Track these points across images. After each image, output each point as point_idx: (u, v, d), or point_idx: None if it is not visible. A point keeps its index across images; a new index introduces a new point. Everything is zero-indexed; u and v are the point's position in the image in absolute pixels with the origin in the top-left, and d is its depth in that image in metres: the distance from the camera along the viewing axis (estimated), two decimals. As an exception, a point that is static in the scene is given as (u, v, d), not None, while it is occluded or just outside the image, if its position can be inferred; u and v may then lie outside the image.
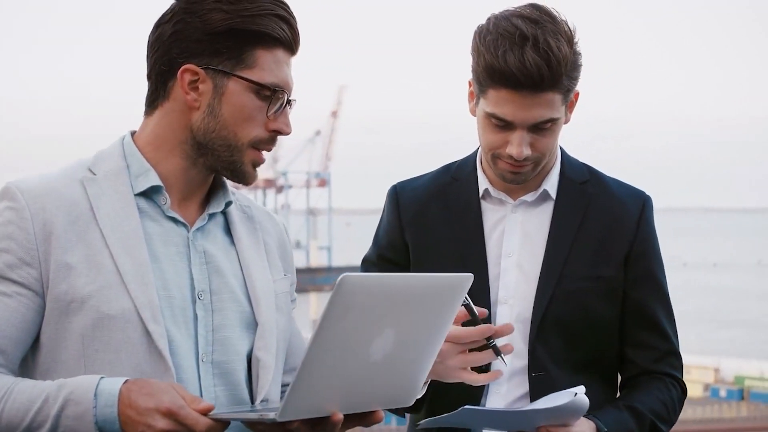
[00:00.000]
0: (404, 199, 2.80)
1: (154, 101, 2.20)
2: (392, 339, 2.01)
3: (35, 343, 2.13)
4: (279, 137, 2.22)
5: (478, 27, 2.62)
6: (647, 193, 2.80)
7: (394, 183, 2.86)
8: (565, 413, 2.40)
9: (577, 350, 2.68)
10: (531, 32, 2.52)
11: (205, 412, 2.00)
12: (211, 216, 2.24)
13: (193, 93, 2.15)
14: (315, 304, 70.84)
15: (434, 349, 2.14)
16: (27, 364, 2.14)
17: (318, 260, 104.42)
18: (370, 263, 2.84)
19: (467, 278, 2.13)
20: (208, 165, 2.20)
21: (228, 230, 2.27)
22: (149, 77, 2.21)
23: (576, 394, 2.38)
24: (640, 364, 2.75)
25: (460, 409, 2.42)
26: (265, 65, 2.15)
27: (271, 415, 1.95)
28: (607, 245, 2.71)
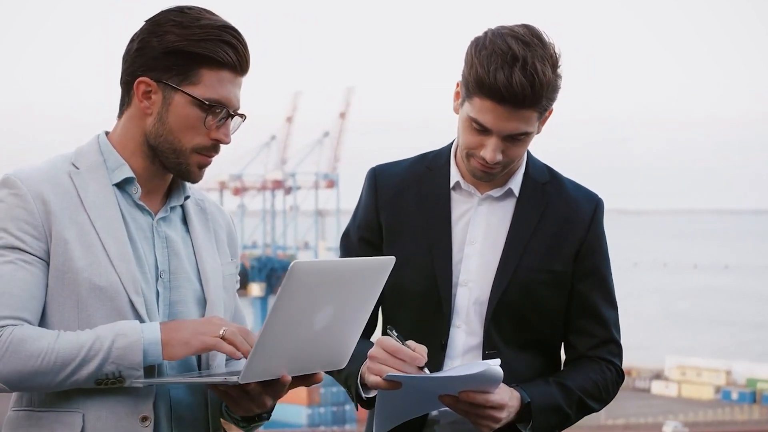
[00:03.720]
0: (382, 184, 3.07)
1: (122, 107, 2.60)
2: (331, 313, 2.43)
3: None
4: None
5: (475, 39, 2.86)
6: (600, 195, 3.07)
7: (373, 166, 3.12)
8: (481, 381, 2.64)
9: (525, 332, 2.97)
10: (521, 54, 2.76)
11: None
12: (173, 208, 2.64)
13: (146, 101, 2.54)
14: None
15: (363, 320, 2.58)
16: None
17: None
18: (347, 239, 3.10)
19: (390, 261, 2.56)
20: (161, 164, 2.57)
21: (185, 220, 2.67)
22: (120, 86, 2.59)
23: (491, 365, 2.61)
24: (580, 349, 3.03)
25: (385, 375, 2.66)
26: (209, 83, 2.52)
27: (234, 379, 2.36)
28: (561, 242, 2.99)
